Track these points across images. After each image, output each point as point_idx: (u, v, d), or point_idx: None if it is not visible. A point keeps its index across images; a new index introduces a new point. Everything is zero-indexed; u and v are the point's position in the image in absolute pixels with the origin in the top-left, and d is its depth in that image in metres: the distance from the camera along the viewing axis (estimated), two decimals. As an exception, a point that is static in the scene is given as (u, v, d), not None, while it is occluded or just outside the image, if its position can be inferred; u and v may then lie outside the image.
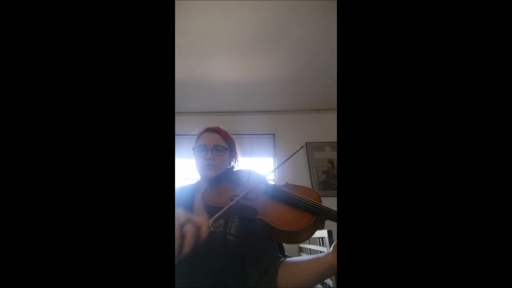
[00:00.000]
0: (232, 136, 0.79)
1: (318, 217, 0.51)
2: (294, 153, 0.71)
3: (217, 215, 0.41)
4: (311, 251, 1.59)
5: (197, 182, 0.77)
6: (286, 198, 0.56)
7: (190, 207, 0.67)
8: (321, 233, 1.27)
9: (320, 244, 1.36)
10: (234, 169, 0.76)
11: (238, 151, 0.79)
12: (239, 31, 1.66)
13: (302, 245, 1.69)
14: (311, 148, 2.42)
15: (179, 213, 0.38)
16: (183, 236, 0.34)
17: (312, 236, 0.55)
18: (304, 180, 2.32)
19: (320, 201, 0.56)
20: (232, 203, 0.47)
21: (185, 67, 1.98)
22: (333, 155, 2.40)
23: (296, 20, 1.56)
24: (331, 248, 0.49)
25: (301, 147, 0.79)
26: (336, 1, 0.36)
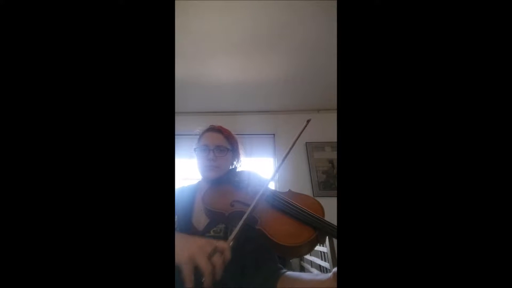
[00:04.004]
0: (235, 136, 0.78)
1: (320, 232, 0.49)
2: (302, 130, 0.68)
3: (234, 233, 0.42)
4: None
5: (199, 182, 0.76)
6: (287, 209, 0.54)
7: (190, 209, 0.67)
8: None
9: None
10: (237, 170, 0.75)
11: (241, 152, 0.78)
12: (239, 31, 1.66)
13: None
14: (311, 148, 2.42)
15: (203, 243, 0.39)
16: (213, 266, 0.36)
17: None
18: (304, 180, 2.32)
19: (323, 213, 0.54)
20: (243, 219, 0.46)
21: (185, 67, 1.98)
22: (333, 155, 2.40)
23: (296, 20, 1.56)
24: (331, 274, 0.48)
25: (308, 121, 0.73)
26: (336, 1, 0.36)
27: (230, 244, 0.40)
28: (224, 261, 0.38)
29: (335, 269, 0.47)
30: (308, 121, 0.70)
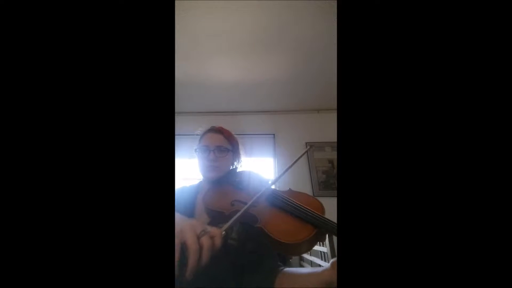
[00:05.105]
0: (235, 136, 0.78)
1: (320, 230, 0.49)
2: (301, 156, 0.69)
3: (227, 225, 0.41)
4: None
5: (200, 182, 0.77)
6: (288, 207, 0.54)
7: (191, 209, 0.67)
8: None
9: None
10: (237, 170, 0.76)
11: (242, 152, 0.78)
12: (239, 31, 1.66)
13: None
14: (311, 148, 2.43)
15: (195, 223, 0.38)
16: (201, 248, 0.35)
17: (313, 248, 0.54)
18: (304, 180, 2.32)
19: (323, 211, 0.54)
20: (240, 212, 0.46)
21: (185, 67, 1.98)
22: (333, 155, 2.41)
23: (296, 20, 1.56)
24: (329, 264, 0.48)
25: (308, 148, 0.76)
26: (336, 1, 0.36)
27: (223, 233, 0.39)
28: (214, 246, 0.36)
29: (333, 259, 0.48)
30: (308, 148, 0.73)
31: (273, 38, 1.70)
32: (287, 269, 0.58)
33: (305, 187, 2.28)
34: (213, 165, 0.68)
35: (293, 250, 0.50)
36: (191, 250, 0.34)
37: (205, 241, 0.36)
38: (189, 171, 2.09)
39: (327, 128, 2.49)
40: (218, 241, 0.37)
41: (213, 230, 0.38)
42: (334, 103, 2.43)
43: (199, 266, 0.34)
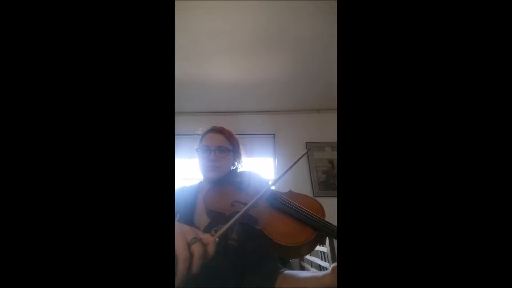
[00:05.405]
0: (236, 136, 0.78)
1: (320, 232, 0.50)
2: (299, 158, 0.70)
3: (221, 231, 0.39)
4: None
5: (200, 182, 0.77)
6: (288, 209, 0.54)
7: (191, 209, 0.67)
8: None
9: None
10: (238, 171, 0.76)
11: (242, 152, 0.78)
12: (239, 31, 1.66)
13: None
14: (311, 148, 2.42)
15: (186, 230, 0.36)
16: (191, 255, 0.33)
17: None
18: (304, 180, 2.32)
19: (324, 214, 0.54)
20: (236, 216, 0.46)
21: (185, 67, 1.98)
22: (333, 155, 2.41)
23: (296, 20, 1.56)
24: (330, 269, 0.48)
25: (307, 150, 0.78)
26: (336, 1, 0.36)
27: (216, 239, 0.37)
28: (206, 254, 0.35)
29: (334, 264, 0.48)
30: (307, 150, 0.79)
31: (273, 38, 1.70)
32: (287, 271, 0.58)
33: (305, 187, 2.28)
34: (213, 165, 0.68)
35: (293, 253, 0.50)
36: (180, 258, 0.32)
37: (196, 249, 0.34)
38: (189, 171, 2.09)
39: (327, 128, 2.49)
40: (210, 249, 0.35)
41: (206, 237, 0.36)
42: (334, 103, 2.43)
43: (189, 275, 0.32)
